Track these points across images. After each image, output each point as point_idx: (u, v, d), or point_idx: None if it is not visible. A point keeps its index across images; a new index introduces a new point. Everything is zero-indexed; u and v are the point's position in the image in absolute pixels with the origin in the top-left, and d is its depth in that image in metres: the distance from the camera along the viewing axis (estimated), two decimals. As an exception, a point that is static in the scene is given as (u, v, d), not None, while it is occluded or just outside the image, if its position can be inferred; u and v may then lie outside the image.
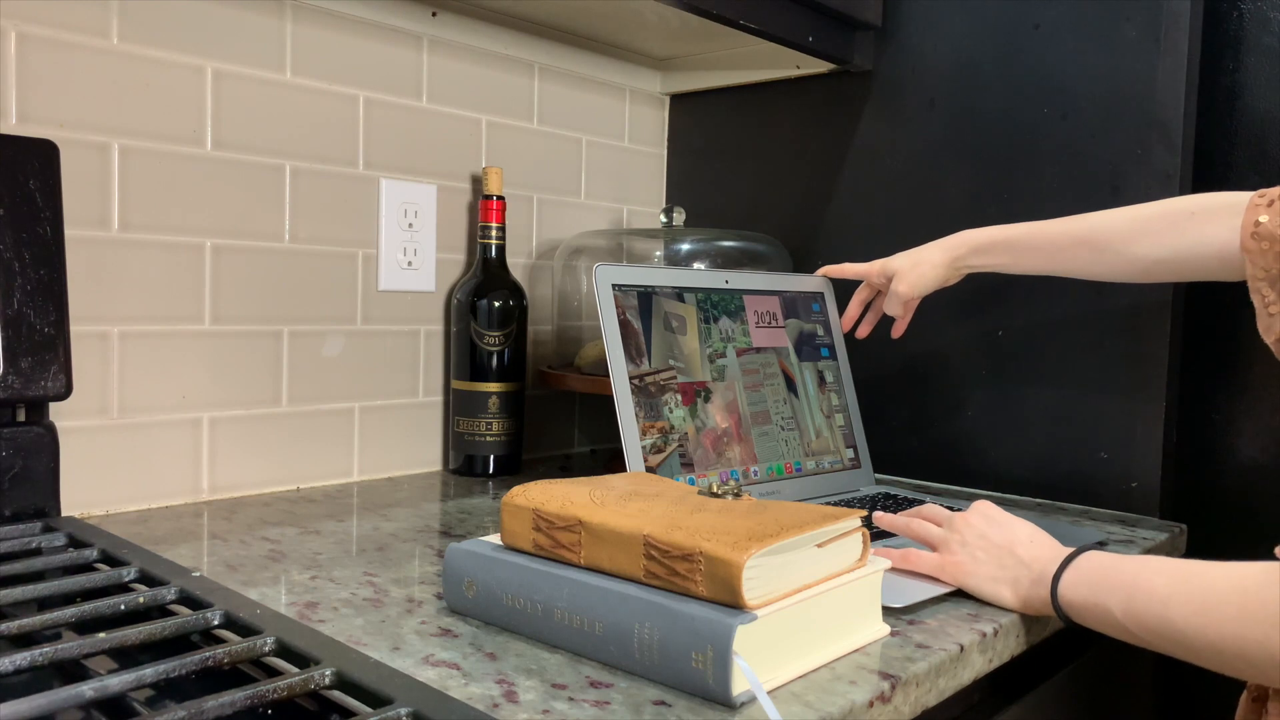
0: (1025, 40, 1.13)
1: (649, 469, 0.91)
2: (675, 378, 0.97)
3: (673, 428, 0.94)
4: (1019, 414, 1.14)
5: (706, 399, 0.99)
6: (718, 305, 1.03)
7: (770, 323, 1.08)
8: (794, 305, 1.11)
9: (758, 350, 1.05)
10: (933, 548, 0.78)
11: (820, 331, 1.13)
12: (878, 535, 0.88)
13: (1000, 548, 0.74)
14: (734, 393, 1.01)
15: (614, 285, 0.95)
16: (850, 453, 1.12)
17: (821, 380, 1.11)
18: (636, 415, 0.92)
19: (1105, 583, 0.67)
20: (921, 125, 1.21)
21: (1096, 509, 1.08)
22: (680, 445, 0.94)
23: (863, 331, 1.12)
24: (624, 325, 0.94)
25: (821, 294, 1.15)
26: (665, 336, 0.97)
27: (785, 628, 0.58)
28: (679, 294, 1.00)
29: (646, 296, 0.97)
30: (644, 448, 0.91)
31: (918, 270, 1.01)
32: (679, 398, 0.96)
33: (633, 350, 0.94)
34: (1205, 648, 0.61)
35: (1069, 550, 0.72)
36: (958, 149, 1.18)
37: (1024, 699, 0.83)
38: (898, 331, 1.09)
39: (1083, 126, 1.09)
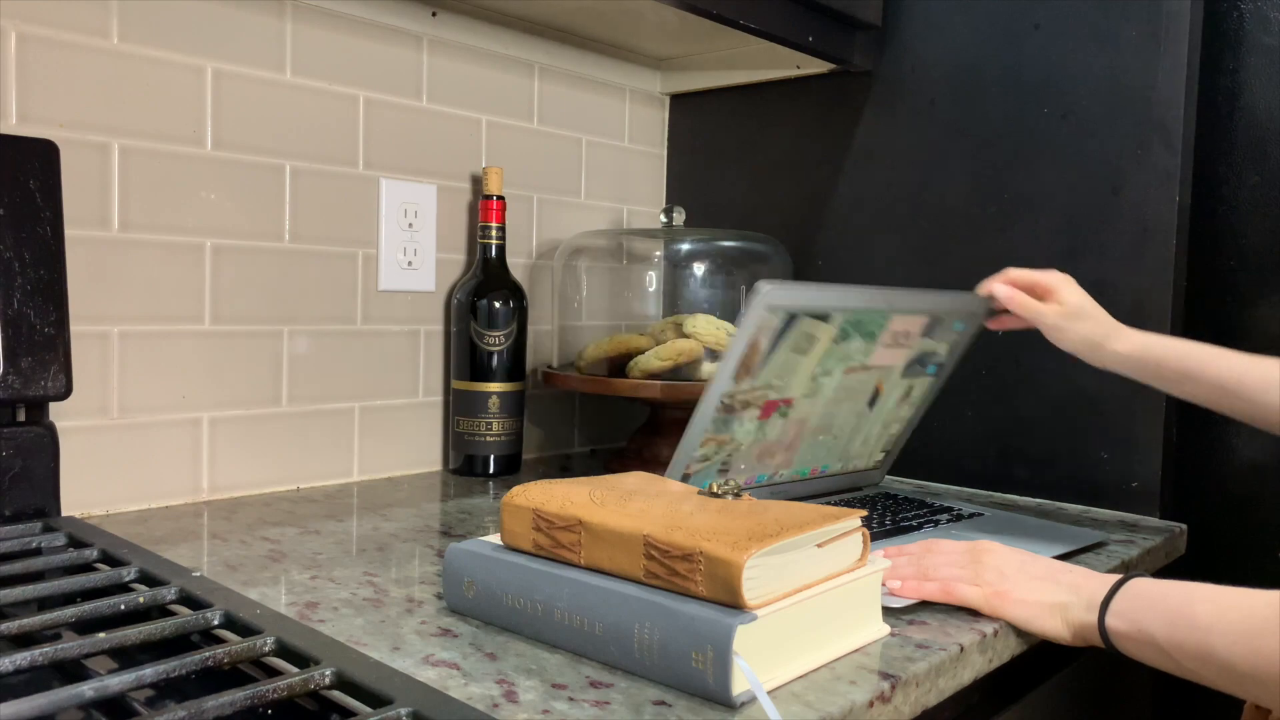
0: (1025, 40, 1.13)
1: (686, 476, 0.88)
2: (766, 395, 0.89)
3: (734, 441, 0.89)
4: (1019, 414, 1.14)
5: (784, 414, 0.92)
6: (858, 325, 0.91)
7: (899, 342, 0.97)
8: (934, 326, 0.99)
9: (866, 369, 0.96)
10: (947, 589, 0.73)
11: (941, 351, 1.02)
12: (878, 536, 0.88)
13: (1044, 577, 0.72)
14: (814, 408, 0.95)
15: (768, 307, 0.83)
16: (880, 455, 1.11)
17: (906, 394, 1.05)
18: (706, 429, 0.86)
19: (1150, 610, 0.65)
20: (921, 125, 1.21)
21: (1096, 509, 1.08)
22: (728, 456, 0.91)
23: (1000, 325, 1.01)
24: (752, 345, 0.84)
25: (975, 313, 1.01)
26: (788, 358, 0.88)
27: (785, 628, 0.58)
28: (825, 315, 0.88)
29: (792, 318, 0.85)
30: (693, 457, 0.87)
31: (1075, 323, 0.91)
32: (757, 413, 0.89)
33: (743, 369, 0.85)
34: (1248, 677, 0.60)
35: (1115, 576, 0.69)
36: (958, 149, 1.18)
37: (1024, 699, 0.83)
38: (998, 325, 1.01)
39: (1083, 126, 1.09)
